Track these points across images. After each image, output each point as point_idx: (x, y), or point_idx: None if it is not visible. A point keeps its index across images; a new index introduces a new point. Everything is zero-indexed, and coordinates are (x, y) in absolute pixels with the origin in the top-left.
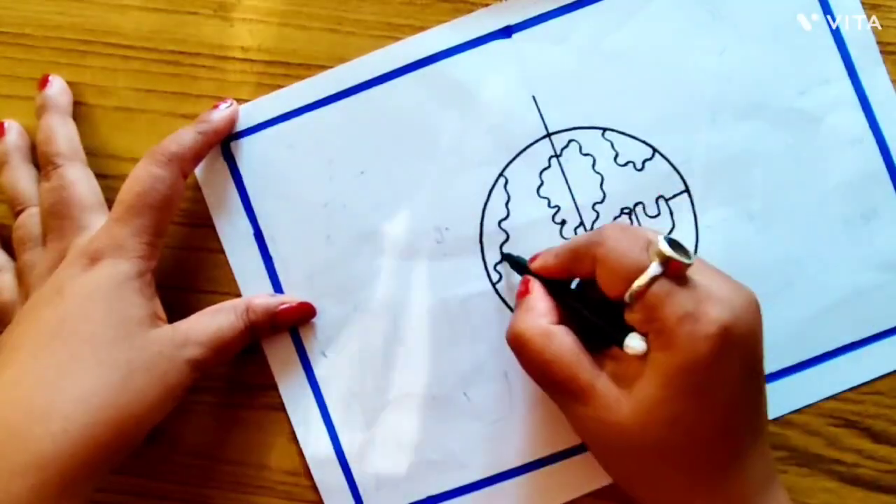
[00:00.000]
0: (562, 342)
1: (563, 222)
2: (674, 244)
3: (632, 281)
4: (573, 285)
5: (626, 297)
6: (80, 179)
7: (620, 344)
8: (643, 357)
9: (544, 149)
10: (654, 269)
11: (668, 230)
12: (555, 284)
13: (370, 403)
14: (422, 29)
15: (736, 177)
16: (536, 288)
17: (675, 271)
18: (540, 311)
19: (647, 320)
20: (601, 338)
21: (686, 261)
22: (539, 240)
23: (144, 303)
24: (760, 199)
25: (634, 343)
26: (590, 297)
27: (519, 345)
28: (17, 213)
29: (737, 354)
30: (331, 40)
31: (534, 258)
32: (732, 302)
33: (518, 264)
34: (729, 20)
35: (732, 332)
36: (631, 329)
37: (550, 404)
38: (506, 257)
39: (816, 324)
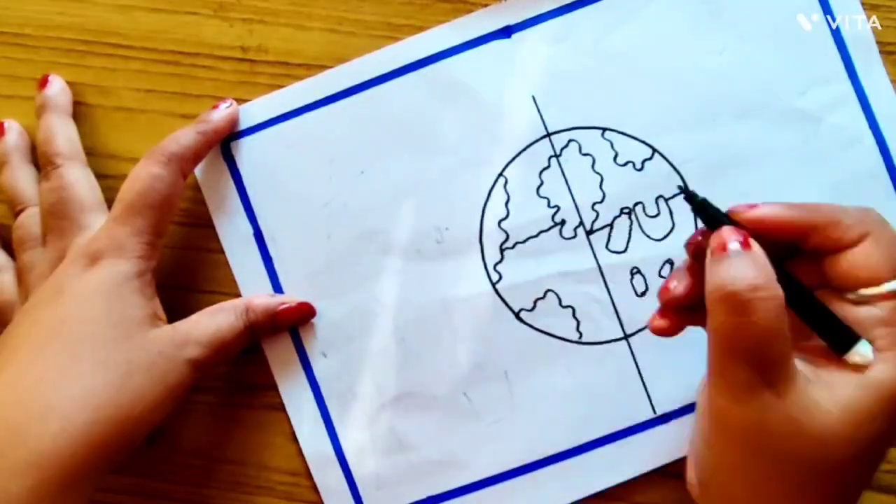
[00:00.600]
0: (784, 315)
1: (563, 222)
2: None
3: None
4: None
5: (886, 287)
6: (79, 179)
7: (842, 346)
8: (855, 367)
9: (544, 149)
10: None
11: (667, 230)
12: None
13: (370, 403)
14: (422, 29)
15: (735, 177)
16: (758, 248)
17: None
18: (770, 273)
19: (888, 323)
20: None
21: None
22: (539, 239)
23: (144, 303)
24: (760, 198)
25: (867, 351)
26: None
27: (754, 300)
28: (17, 213)
29: None
30: (331, 40)
31: (743, 208)
32: None
33: (709, 211)
34: (729, 20)
35: None
36: (856, 333)
37: (551, 404)
38: (700, 206)
39: None
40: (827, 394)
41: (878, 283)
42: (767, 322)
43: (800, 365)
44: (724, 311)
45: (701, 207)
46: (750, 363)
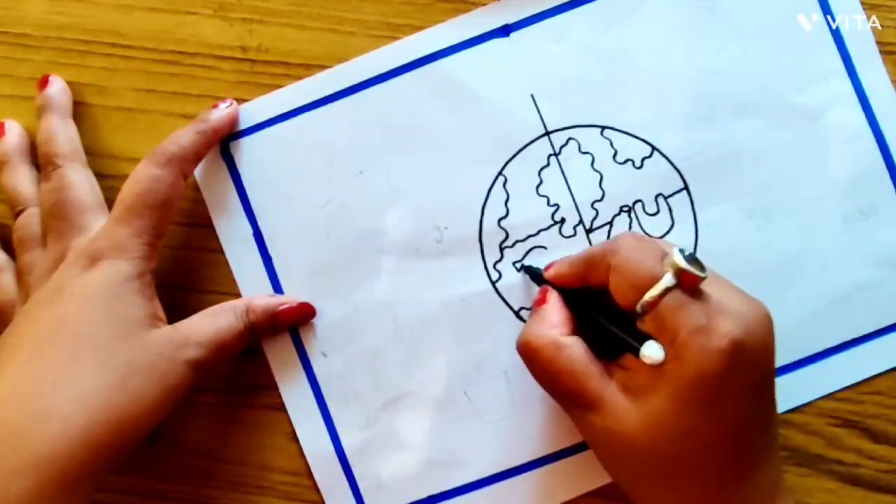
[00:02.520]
0: (571, 353)
1: (563, 220)
2: (688, 257)
3: (645, 291)
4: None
5: (638, 307)
6: (80, 180)
7: (636, 352)
8: (655, 367)
9: (543, 147)
10: (668, 280)
11: (667, 228)
12: (571, 293)
13: (370, 403)
14: (421, 29)
15: (735, 174)
16: (552, 298)
17: (688, 284)
18: (552, 321)
19: (658, 331)
20: (615, 347)
21: (700, 274)
22: (538, 238)
23: (144, 303)
24: (759, 196)
25: (652, 351)
26: (606, 306)
27: (528, 353)
28: (17, 214)
29: (748, 368)
30: (331, 40)
31: (549, 266)
32: (745, 316)
33: (535, 274)
34: (727, 18)
35: (744, 346)
36: (647, 338)
37: (551, 403)
38: (524, 268)
39: (816, 321)
40: (637, 401)
41: (630, 305)
42: (543, 366)
43: (623, 378)
44: (525, 362)
45: (530, 274)
46: (558, 397)
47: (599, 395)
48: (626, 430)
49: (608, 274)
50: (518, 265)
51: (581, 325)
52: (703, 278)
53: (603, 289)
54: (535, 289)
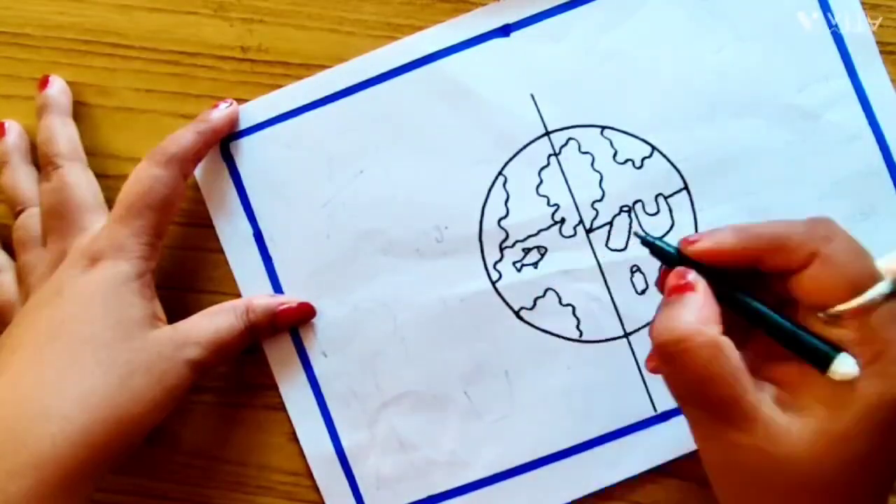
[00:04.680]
0: (730, 357)
1: (563, 220)
2: None
3: (860, 292)
4: None
5: (842, 308)
6: (80, 180)
7: (823, 364)
8: (841, 383)
9: (543, 147)
10: (887, 286)
11: (667, 228)
12: (717, 276)
13: (370, 403)
14: (421, 29)
15: (735, 174)
16: (702, 286)
17: None
18: (707, 316)
19: (862, 341)
20: (780, 350)
21: None
22: (538, 238)
23: (144, 303)
24: (759, 196)
25: (849, 367)
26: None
27: (678, 352)
28: (17, 214)
29: None
30: (331, 40)
31: (692, 240)
32: None
33: (665, 252)
34: (727, 18)
35: None
36: (834, 346)
37: (551, 403)
38: (644, 241)
39: None
40: (799, 420)
41: (832, 303)
42: (697, 369)
43: (774, 392)
44: (659, 360)
45: (653, 248)
46: (698, 406)
47: (755, 409)
48: (786, 453)
49: (806, 261)
50: (638, 235)
51: (728, 322)
52: None
53: (760, 275)
54: (532, 292)
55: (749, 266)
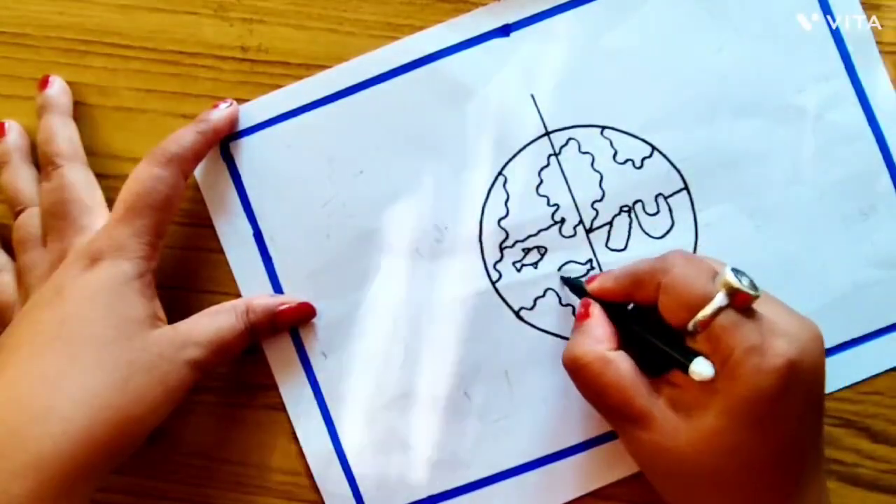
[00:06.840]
0: (618, 368)
1: (563, 220)
2: (740, 276)
3: (697, 310)
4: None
5: (691, 325)
6: (80, 180)
7: (684, 369)
8: (705, 384)
9: (543, 147)
10: (721, 299)
11: (667, 228)
12: (614, 307)
13: (370, 403)
14: (421, 29)
15: (735, 174)
16: (596, 312)
17: (741, 303)
18: (598, 336)
19: (710, 350)
20: (660, 362)
21: (753, 293)
22: (538, 238)
23: (145, 303)
24: (759, 196)
25: (703, 368)
26: (651, 322)
27: (575, 369)
28: (17, 214)
29: (801, 389)
30: (331, 40)
31: (590, 279)
32: (799, 336)
33: (576, 286)
34: (727, 18)
35: (799, 366)
36: (696, 354)
37: (551, 403)
38: (564, 280)
39: (815, 321)
40: (686, 418)
41: (681, 323)
42: (592, 381)
43: (672, 394)
44: (571, 377)
45: (570, 285)
46: (605, 412)
47: (648, 410)
48: (674, 446)
49: (657, 292)
50: (560, 275)
51: (624, 339)
52: (756, 297)
53: (647, 305)
54: (532, 292)
55: (629, 301)
